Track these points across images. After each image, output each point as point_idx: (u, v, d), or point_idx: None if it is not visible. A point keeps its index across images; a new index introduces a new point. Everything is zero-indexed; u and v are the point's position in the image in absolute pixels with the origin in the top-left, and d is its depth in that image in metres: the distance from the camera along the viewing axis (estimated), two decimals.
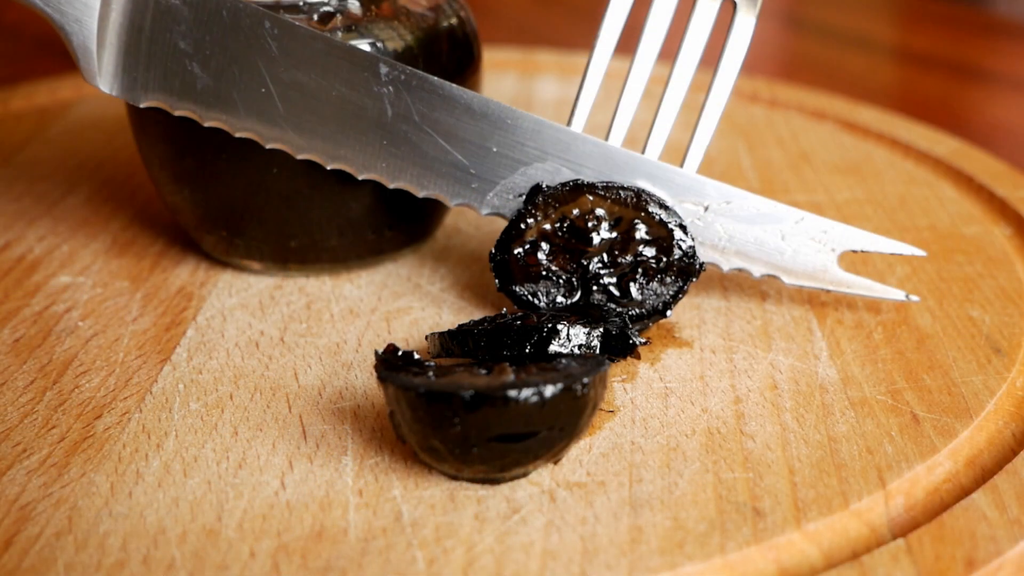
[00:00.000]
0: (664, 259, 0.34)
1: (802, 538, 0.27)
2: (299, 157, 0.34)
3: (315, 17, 0.35)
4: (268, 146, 0.34)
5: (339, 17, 0.35)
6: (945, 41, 0.81)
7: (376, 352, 0.30)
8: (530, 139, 0.35)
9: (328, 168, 0.35)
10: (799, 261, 0.35)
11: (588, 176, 0.35)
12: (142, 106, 0.34)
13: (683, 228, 0.34)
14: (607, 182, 0.34)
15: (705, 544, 0.26)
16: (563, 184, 0.35)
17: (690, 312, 0.37)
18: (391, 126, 0.34)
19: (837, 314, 0.37)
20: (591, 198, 0.34)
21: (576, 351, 0.31)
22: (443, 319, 0.36)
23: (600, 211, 0.34)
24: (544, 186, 0.35)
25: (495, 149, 0.35)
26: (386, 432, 0.30)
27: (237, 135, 0.34)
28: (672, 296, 0.34)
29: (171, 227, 0.42)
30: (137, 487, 0.28)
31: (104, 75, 0.34)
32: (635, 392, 0.32)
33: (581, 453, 0.29)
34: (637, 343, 0.33)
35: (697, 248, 0.35)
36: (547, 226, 0.34)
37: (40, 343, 0.35)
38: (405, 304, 0.37)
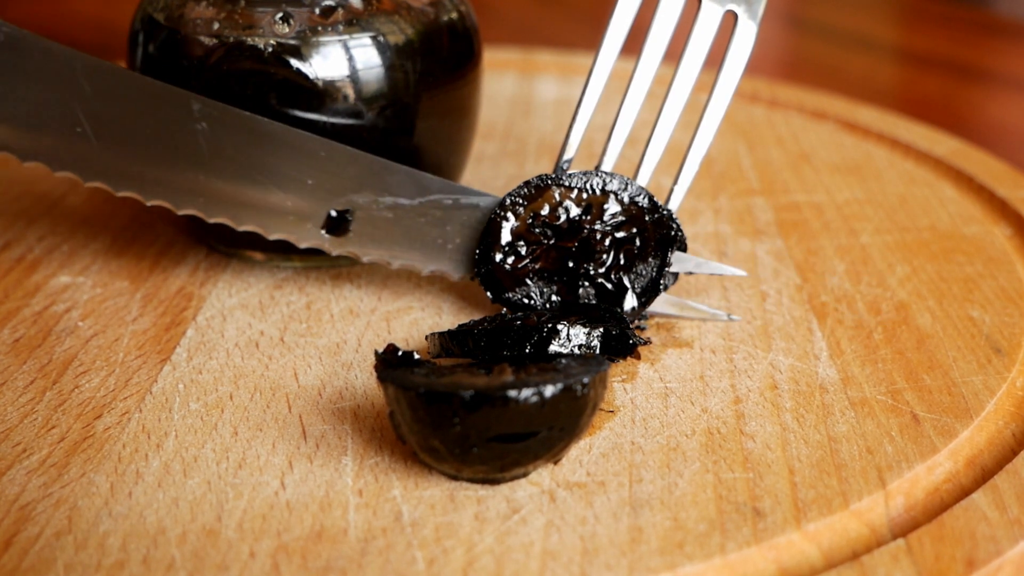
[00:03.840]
0: (642, 235, 0.34)
1: (802, 538, 0.27)
2: (119, 195, 0.34)
3: (317, 11, 0.35)
4: (87, 184, 0.34)
5: (340, 11, 0.36)
6: (946, 41, 0.81)
7: (376, 352, 0.30)
8: (344, 171, 0.34)
9: (148, 204, 0.34)
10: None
11: (404, 202, 0.34)
12: None
13: (651, 199, 0.34)
14: (569, 173, 0.35)
15: (705, 544, 0.26)
16: (526, 183, 0.35)
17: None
18: (207, 162, 0.34)
19: (837, 314, 0.37)
20: (557, 191, 0.34)
21: (576, 351, 0.31)
22: (443, 319, 0.36)
23: (568, 202, 0.34)
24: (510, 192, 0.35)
25: (310, 182, 0.34)
26: (386, 432, 0.30)
27: (57, 174, 0.34)
28: (658, 270, 0.34)
29: (171, 227, 0.42)
30: (137, 487, 0.28)
31: None
32: (635, 392, 0.32)
33: (581, 453, 0.29)
34: (637, 343, 0.33)
35: (675, 216, 0.35)
36: (520, 226, 0.35)
37: (40, 343, 0.35)
38: (405, 304, 0.37)
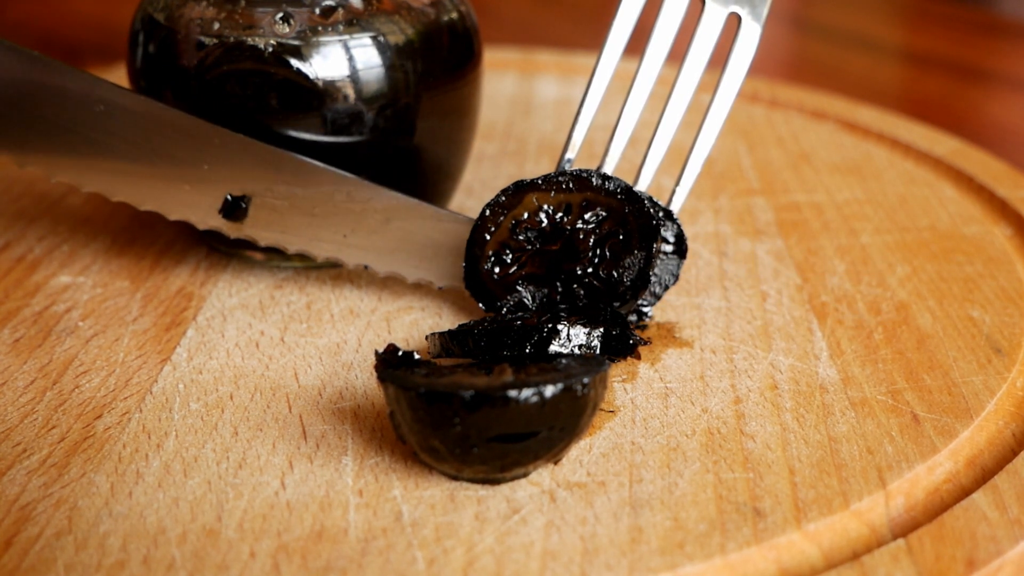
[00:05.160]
0: (624, 227, 0.34)
1: (802, 538, 0.27)
2: (53, 180, 0.36)
3: (317, 11, 0.35)
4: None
5: (341, 11, 0.36)
6: (946, 41, 0.81)
7: (376, 352, 0.30)
8: (239, 158, 0.35)
9: (52, 181, 0.36)
10: None
11: (295, 188, 0.35)
12: None
13: (627, 188, 0.34)
14: (544, 175, 0.35)
15: (705, 544, 0.26)
16: (503, 191, 0.35)
17: (690, 312, 0.37)
18: (106, 143, 0.35)
19: (837, 314, 0.37)
20: (535, 195, 0.34)
21: (576, 351, 0.31)
22: (443, 319, 0.36)
23: (547, 205, 0.34)
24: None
25: (206, 167, 0.35)
26: (386, 432, 0.30)
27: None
28: (645, 260, 0.34)
29: (171, 227, 0.42)
30: (137, 487, 0.28)
31: None
32: (635, 392, 0.32)
33: (581, 453, 0.29)
34: (637, 343, 0.33)
35: (654, 203, 0.35)
36: (503, 235, 0.35)
37: (40, 343, 0.35)
38: (405, 304, 0.37)
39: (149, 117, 0.35)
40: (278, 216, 0.36)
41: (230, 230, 0.36)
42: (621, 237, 0.34)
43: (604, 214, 0.34)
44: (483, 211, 0.35)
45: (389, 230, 0.36)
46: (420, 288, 0.38)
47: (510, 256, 0.35)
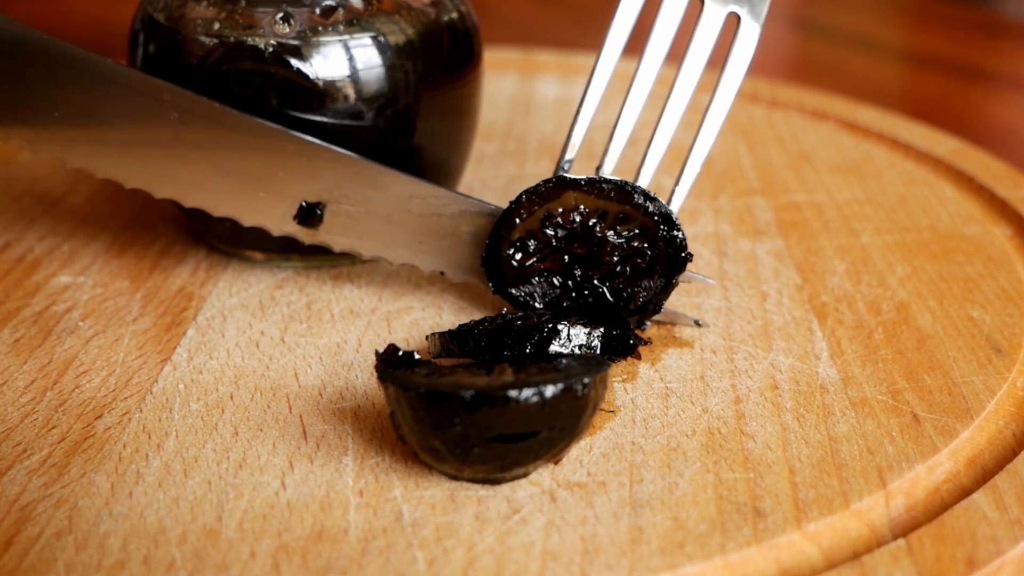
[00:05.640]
0: (653, 252, 0.34)
1: (803, 538, 0.27)
2: (99, 176, 0.35)
3: (317, 11, 0.35)
4: (69, 166, 0.35)
5: (341, 11, 0.36)
6: (946, 41, 0.81)
7: (376, 352, 0.30)
8: (312, 164, 0.35)
9: (127, 188, 0.35)
10: None
11: (371, 194, 0.35)
12: None
13: (668, 218, 0.34)
14: (590, 177, 0.34)
15: (705, 544, 0.26)
16: (546, 181, 0.34)
17: (690, 312, 0.37)
18: (179, 150, 0.35)
19: (838, 314, 0.37)
20: (575, 194, 0.34)
21: (576, 351, 0.31)
22: (443, 319, 0.36)
23: (584, 207, 0.34)
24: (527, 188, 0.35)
25: (280, 174, 0.35)
26: (386, 432, 0.30)
27: (40, 155, 0.35)
28: (662, 290, 0.34)
29: (171, 227, 0.42)
30: (137, 487, 0.28)
31: None
32: (635, 392, 0.32)
33: (581, 453, 0.29)
34: (637, 343, 0.33)
35: (687, 239, 0.34)
36: (533, 224, 0.34)
37: (40, 343, 0.35)
38: (405, 304, 0.37)
39: (224, 126, 0.34)
40: (353, 223, 0.35)
41: (305, 236, 0.36)
42: (647, 258, 0.34)
43: (636, 231, 0.34)
44: (519, 196, 0.35)
45: (462, 234, 0.36)
46: (420, 288, 0.38)
47: (533, 246, 0.35)
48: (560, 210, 0.34)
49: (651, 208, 0.34)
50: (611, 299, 0.34)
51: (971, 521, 0.27)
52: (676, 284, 0.34)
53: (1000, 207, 0.45)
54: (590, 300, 0.34)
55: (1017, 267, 0.40)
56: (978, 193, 0.46)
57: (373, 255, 0.36)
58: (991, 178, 0.47)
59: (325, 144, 0.34)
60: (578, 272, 0.34)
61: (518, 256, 0.35)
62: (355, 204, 0.35)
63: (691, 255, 0.34)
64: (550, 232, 0.35)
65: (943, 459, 0.30)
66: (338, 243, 0.36)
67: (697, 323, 0.36)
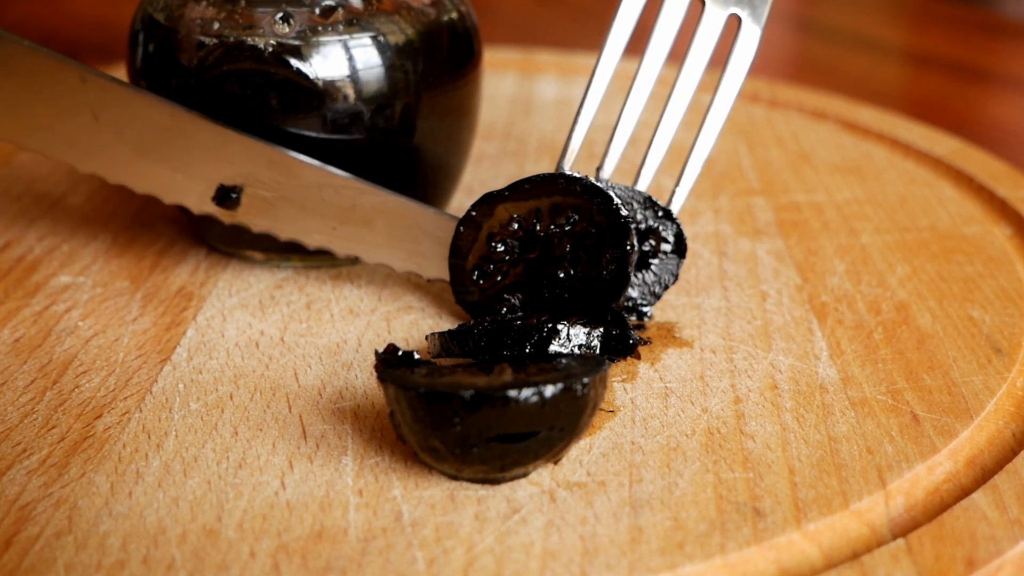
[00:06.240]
0: (595, 225, 0.34)
1: (802, 538, 0.27)
2: (26, 150, 0.36)
3: (317, 11, 0.35)
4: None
5: (340, 11, 0.36)
6: (946, 41, 0.81)
7: (376, 352, 0.30)
8: (226, 152, 0.35)
9: (53, 160, 0.37)
10: None
11: (283, 181, 0.36)
12: None
13: (592, 187, 0.34)
14: (511, 184, 0.34)
15: (705, 544, 0.26)
16: (472, 206, 0.35)
17: (690, 312, 0.37)
18: (100, 129, 0.36)
19: (837, 314, 0.37)
20: (504, 206, 0.34)
21: (576, 351, 0.31)
22: (443, 319, 0.36)
23: (517, 214, 0.34)
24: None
25: (197, 157, 0.36)
26: (386, 432, 0.30)
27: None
28: (620, 257, 0.34)
29: (171, 227, 0.42)
30: (137, 487, 0.28)
31: None
32: (635, 392, 0.32)
33: (581, 453, 0.29)
34: (637, 343, 0.33)
35: (621, 203, 0.34)
36: (482, 248, 0.35)
37: (40, 343, 0.35)
38: (405, 304, 0.37)
39: (137, 110, 0.35)
40: (269, 206, 0.36)
41: (225, 216, 0.37)
42: (594, 235, 0.34)
43: (575, 216, 0.34)
44: (457, 228, 0.35)
45: (376, 224, 0.36)
46: (420, 288, 0.38)
47: (492, 268, 0.35)
48: (498, 226, 0.34)
49: (577, 188, 0.34)
50: (582, 287, 0.34)
51: (971, 521, 0.27)
52: (634, 249, 0.34)
53: (1000, 207, 0.45)
54: (567, 296, 0.34)
55: (1017, 267, 0.40)
56: (978, 193, 0.46)
57: (289, 238, 0.37)
58: (991, 178, 0.47)
59: (240, 132, 0.35)
60: (542, 274, 0.34)
61: (482, 282, 0.35)
62: (269, 190, 0.36)
63: (669, 213, 0.34)
64: (500, 249, 0.35)
65: (943, 459, 0.30)
66: (256, 224, 0.37)
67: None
